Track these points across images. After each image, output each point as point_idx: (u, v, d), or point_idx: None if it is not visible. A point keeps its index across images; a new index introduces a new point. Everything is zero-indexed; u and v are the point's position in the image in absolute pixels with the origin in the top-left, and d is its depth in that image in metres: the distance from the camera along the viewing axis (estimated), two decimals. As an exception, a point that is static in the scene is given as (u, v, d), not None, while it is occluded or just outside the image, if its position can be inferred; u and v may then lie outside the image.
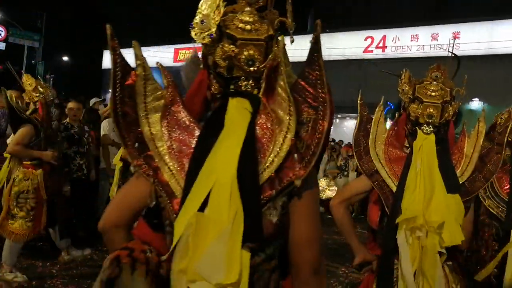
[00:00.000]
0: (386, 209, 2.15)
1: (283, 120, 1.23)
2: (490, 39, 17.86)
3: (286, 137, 1.21)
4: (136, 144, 1.29)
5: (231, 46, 1.22)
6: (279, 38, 1.30)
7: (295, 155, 1.22)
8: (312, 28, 24.07)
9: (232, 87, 1.26)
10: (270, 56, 1.26)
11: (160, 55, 28.30)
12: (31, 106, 4.51)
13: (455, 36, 18.72)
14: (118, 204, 1.39)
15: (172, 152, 1.27)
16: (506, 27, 17.59)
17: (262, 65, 1.25)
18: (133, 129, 1.30)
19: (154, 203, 1.28)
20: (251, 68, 1.24)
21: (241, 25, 1.23)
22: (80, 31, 38.75)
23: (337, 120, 22.58)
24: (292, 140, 1.21)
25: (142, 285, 1.15)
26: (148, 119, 1.31)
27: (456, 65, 2.09)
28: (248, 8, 1.26)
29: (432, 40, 19.27)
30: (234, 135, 1.19)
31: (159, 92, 1.35)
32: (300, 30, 24.31)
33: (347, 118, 21.73)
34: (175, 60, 28.81)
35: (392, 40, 20.57)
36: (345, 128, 21.50)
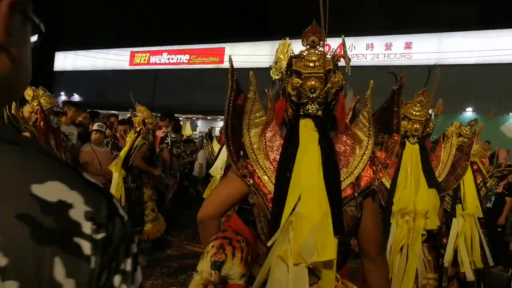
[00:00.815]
0: (382, 202, 2.76)
1: (362, 140, 1.66)
2: (440, 50, 18.52)
3: (365, 153, 1.63)
4: (239, 152, 1.68)
5: (297, 79, 1.65)
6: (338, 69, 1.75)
7: (373, 167, 1.64)
8: (272, 34, 24.17)
9: (301, 111, 1.66)
10: (328, 84, 1.64)
11: (116, 58, 27.72)
12: (33, 116, 4.46)
13: (408, 46, 19.33)
14: (215, 200, 1.72)
15: (268, 159, 1.65)
16: (455, 39, 18.30)
17: (322, 92, 1.63)
18: (237, 139, 1.69)
19: (251, 201, 1.65)
20: (314, 95, 1.64)
21: (306, 63, 1.68)
22: (30, 31, 37.43)
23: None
24: (370, 156, 1.64)
25: (238, 269, 1.51)
26: (249, 132, 1.70)
27: (398, 77, 2.42)
28: (312, 50, 1.75)
29: (386, 50, 19.80)
30: (309, 149, 1.57)
31: (261, 112, 1.75)
32: (263, 35, 24.41)
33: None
34: (131, 64, 28.23)
35: (348, 48, 20.97)
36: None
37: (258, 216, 1.63)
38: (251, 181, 1.61)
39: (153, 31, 35.41)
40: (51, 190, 0.49)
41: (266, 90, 1.81)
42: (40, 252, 0.46)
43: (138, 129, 5.68)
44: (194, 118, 24.71)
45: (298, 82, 1.63)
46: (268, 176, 1.61)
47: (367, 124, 1.66)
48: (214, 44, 24.81)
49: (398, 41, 19.55)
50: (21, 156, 0.50)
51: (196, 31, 35.31)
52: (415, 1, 23.28)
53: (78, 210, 0.50)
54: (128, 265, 0.55)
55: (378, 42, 20.18)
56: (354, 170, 1.60)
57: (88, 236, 0.50)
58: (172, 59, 26.43)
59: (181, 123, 10.90)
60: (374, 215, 1.66)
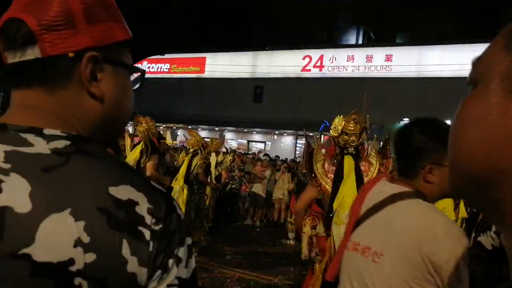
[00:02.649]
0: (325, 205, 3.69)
1: (373, 163, 3.47)
2: (419, 63, 18.78)
3: (375, 170, 3.44)
4: (312, 174, 3.49)
5: (346, 136, 3.38)
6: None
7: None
8: (252, 44, 24.19)
9: (345, 151, 3.39)
10: (360, 139, 3.42)
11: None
12: None
13: (388, 59, 19.55)
14: (303, 199, 3.55)
15: (327, 177, 3.46)
16: (434, 53, 18.58)
17: (357, 142, 3.39)
18: (311, 168, 3.50)
19: (320, 197, 3.61)
20: (353, 144, 3.38)
21: (349, 128, 3.38)
22: None
23: (275, 137, 22.75)
24: (377, 171, 3.42)
25: (322, 228, 3.61)
26: (316, 164, 3.51)
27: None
28: (351, 121, 3.39)
29: (367, 62, 19.99)
30: (350, 172, 3.30)
31: (321, 154, 3.57)
32: (243, 46, 24.44)
33: (284, 134, 21.94)
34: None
35: (329, 60, 21.13)
36: (282, 144, 21.69)
37: (324, 205, 3.55)
38: (320, 188, 3.45)
39: (134, 40, 35.17)
40: (123, 191, 0.68)
41: (318, 141, 3.79)
42: (112, 235, 0.64)
43: (192, 149, 6.73)
44: (174, 127, 24.50)
45: (344, 138, 3.40)
46: (328, 186, 3.39)
47: (374, 156, 3.52)
48: (195, 53, 24.75)
49: (378, 53, 19.77)
50: (103, 167, 0.70)
51: (177, 41, 35.24)
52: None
53: (142, 207, 0.68)
54: (181, 252, 0.70)
55: (359, 53, 20.39)
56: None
57: (149, 226, 0.67)
58: (153, 67, 26.27)
59: (161, 132, 10.69)
60: None
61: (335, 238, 3.13)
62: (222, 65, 22.90)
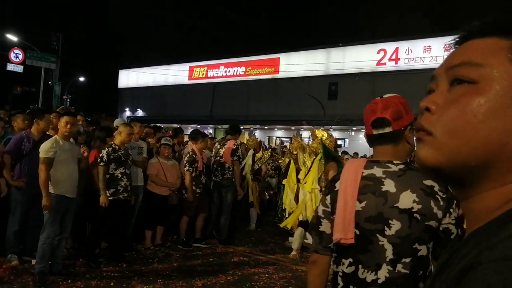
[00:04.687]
0: None
1: None
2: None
3: None
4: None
5: None
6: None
7: None
8: (324, 42, 24.17)
9: None
10: None
11: (176, 73, 28.73)
12: None
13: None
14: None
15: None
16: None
17: None
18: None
19: None
20: None
21: None
22: (95, 52, 39.48)
23: (352, 133, 22.52)
24: None
25: None
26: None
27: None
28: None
29: (445, 51, 19.23)
30: None
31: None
32: (316, 44, 24.49)
33: (362, 130, 21.67)
34: (190, 78, 29.13)
35: (405, 52, 20.56)
36: (360, 140, 21.44)
37: None
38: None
39: (210, 46, 36.35)
40: (428, 182, 1.70)
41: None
42: (428, 199, 1.67)
43: (295, 152, 6.88)
44: (251, 128, 25.05)
45: None
46: None
47: None
48: (269, 55, 25.11)
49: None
50: (418, 173, 1.71)
51: (251, 44, 35.85)
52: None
53: (437, 187, 1.69)
54: (452, 208, 1.69)
55: (436, 43, 19.65)
56: None
57: (441, 196, 1.69)
58: (229, 71, 27.00)
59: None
60: None
61: None
62: (295, 64, 23.07)
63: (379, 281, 1.66)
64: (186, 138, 8.34)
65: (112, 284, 4.86)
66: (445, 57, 0.66)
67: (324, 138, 5.91)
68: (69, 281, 4.81)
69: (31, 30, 30.16)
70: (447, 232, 1.69)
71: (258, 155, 8.77)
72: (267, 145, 22.00)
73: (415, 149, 0.65)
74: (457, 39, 0.66)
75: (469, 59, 0.60)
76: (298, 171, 6.84)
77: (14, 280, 4.70)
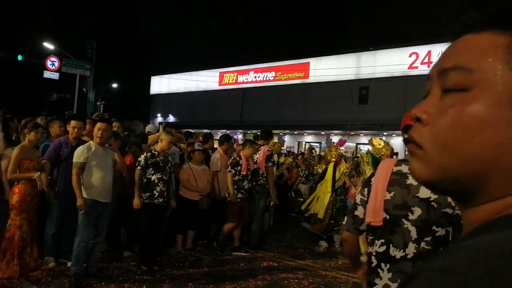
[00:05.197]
0: None
1: None
2: None
3: None
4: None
5: None
6: None
7: None
8: (355, 45, 23.97)
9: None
10: None
11: (206, 79, 29.04)
12: None
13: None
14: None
15: None
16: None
17: None
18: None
19: None
20: None
21: None
22: (128, 59, 40.32)
23: (383, 138, 22.22)
24: None
25: None
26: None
27: None
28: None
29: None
30: None
31: None
32: (346, 48, 24.33)
33: (393, 135, 21.37)
34: (220, 84, 29.38)
35: (438, 55, 20.15)
36: (392, 145, 21.09)
37: None
38: None
39: (240, 52, 36.61)
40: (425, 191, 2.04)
41: None
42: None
43: (333, 159, 7.30)
44: (281, 133, 25.03)
45: None
46: None
47: None
48: (299, 59, 25.08)
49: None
50: None
51: (280, 49, 35.93)
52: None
53: (452, 203, 1.98)
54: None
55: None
56: None
57: (453, 208, 1.99)
58: (259, 77, 27.10)
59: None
60: None
61: None
62: (325, 69, 22.97)
63: (408, 256, 2.02)
64: (215, 144, 8.41)
65: (144, 287, 4.95)
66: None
67: (380, 146, 5.89)
68: (103, 283, 4.93)
69: (66, 38, 31.04)
70: (459, 218, 1.95)
71: (281, 160, 8.77)
72: (296, 151, 21.96)
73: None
74: (455, 32, 0.59)
75: (461, 63, 0.55)
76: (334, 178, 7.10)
77: (51, 282, 4.85)
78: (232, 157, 6.83)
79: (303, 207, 7.59)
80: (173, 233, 6.52)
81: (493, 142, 0.51)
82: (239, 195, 6.67)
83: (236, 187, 6.64)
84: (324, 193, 7.08)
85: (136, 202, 5.48)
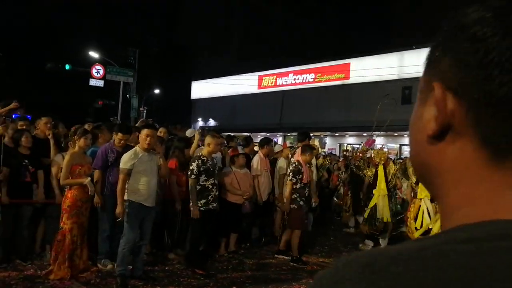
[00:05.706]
0: None
1: None
2: None
3: None
4: None
5: None
6: None
7: None
8: (396, 45, 23.51)
9: None
10: None
11: (245, 83, 29.22)
12: None
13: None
14: None
15: None
16: None
17: None
18: None
19: None
20: None
21: None
22: (169, 65, 41.15)
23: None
24: None
25: None
26: None
27: None
28: None
29: None
30: None
31: None
32: (387, 48, 23.88)
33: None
34: (259, 87, 29.47)
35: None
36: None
37: None
38: None
39: (279, 54, 36.60)
40: None
41: None
42: None
43: (382, 162, 7.45)
44: (322, 136, 24.84)
45: None
46: None
47: None
48: (339, 60, 24.80)
49: None
50: None
51: (320, 50, 35.66)
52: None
53: None
54: None
55: None
56: None
57: None
58: (298, 79, 26.99)
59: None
60: None
61: None
62: (367, 69, 22.61)
63: None
64: (255, 148, 8.44)
65: (189, 289, 5.01)
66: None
67: None
68: (148, 285, 5.03)
69: (110, 46, 31.98)
70: None
71: (319, 162, 8.68)
72: (337, 152, 21.70)
73: None
74: None
75: (420, 86, 0.59)
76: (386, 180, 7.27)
77: (100, 283, 5.00)
78: (294, 165, 6.51)
79: (365, 215, 7.43)
80: (216, 236, 6.58)
81: (417, 140, 0.55)
82: (301, 203, 6.45)
83: (298, 195, 6.43)
84: (383, 197, 7.24)
85: (195, 212, 5.55)
